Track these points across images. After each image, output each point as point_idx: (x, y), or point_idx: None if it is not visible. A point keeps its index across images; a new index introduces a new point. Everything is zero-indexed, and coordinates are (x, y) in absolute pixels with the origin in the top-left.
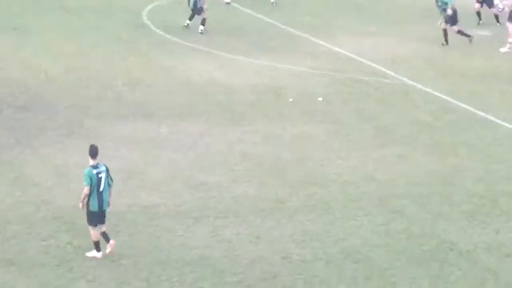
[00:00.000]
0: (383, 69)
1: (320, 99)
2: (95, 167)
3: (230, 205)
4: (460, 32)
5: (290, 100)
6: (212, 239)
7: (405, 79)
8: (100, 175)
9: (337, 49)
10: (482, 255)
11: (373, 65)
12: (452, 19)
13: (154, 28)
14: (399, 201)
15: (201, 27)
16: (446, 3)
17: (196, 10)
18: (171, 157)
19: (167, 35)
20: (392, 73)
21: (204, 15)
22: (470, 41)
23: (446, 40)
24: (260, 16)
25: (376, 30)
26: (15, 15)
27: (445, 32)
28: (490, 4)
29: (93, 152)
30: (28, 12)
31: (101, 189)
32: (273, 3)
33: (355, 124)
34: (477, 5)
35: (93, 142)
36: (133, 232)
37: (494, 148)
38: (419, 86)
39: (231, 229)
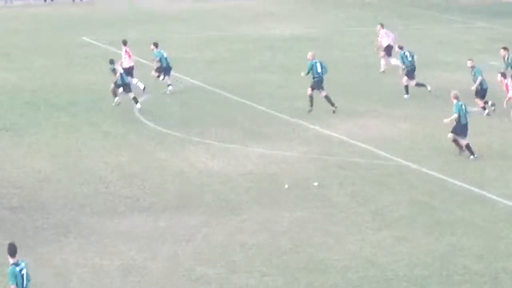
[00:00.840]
0: (376, 150)
1: (316, 183)
2: (16, 264)
3: None
4: (326, 97)
5: (286, 186)
6: None
7: (399, 159)
8: (22, 272)
9: (328, 132)
10: None
11: (365, 146)
12: (318, 85)
13: (145, 121)
14: (400, 284)
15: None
16: None
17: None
18: (169, 250)
19: (159, 127)
20: (385, 154)
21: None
22: (334, 111)
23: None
24: (250, 103)
25: (365, 110)
26: (5, 116)
27: (311, 97)
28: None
29: (12, 250)
30: (19, 112)
31: (24, 285)
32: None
33: (352, 208)
34: (405, 79)
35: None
36: None
37: (492, 225)
38: (414, 165)
39: None
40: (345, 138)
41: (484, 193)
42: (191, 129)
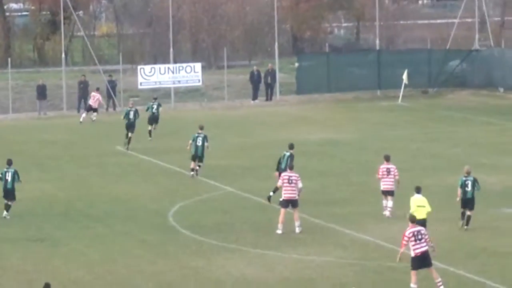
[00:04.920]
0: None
1: None
2: None
3: None
4: None
5: None
6: None
7: (436, 262)
8: None
9: (364, 236)
10: None
11: (402, 250)
12: None
13: (181, 229)
14: None
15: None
16: None
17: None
18: None
19: (195, 235)
20: None
21: None
22: None
23: None
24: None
25: (402, 214)
26: (41, 227)
27: None
28: None
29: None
30: (54, 222)
31: None
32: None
33: None
34: None
35: None
36: None
37: None
38: (451, 269)
39: None
40: (381, 242)
41: None
42: (226, 236)
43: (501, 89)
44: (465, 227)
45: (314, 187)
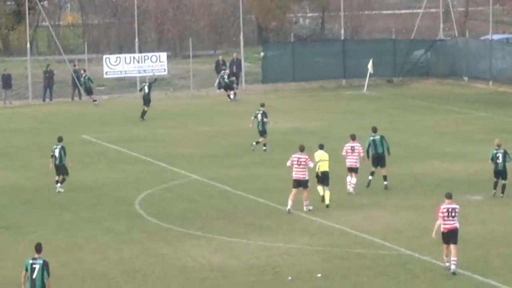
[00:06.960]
0: (379, 240)
1: (319, 275)
2: (34, 259)
3: None
4: None
5: (289, 278)
6: None
7: (402, 249)
8: (33, 266)
9: (331, 223)
10: None
11: (368, 237)
12: None
13: (147, 217)
14: None
15: None
16: None
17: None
18: None
19: (161, 223)
20: (389, 244)
21: None
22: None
23: None
24: (251, 196)
25: (369, 201)
26: (6, 214)
27: None
28: None
29: (38, 247)
30: (20, 210)
31: (34, 276)
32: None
33: None
34: None
35: None
36: None
37: None
38: (416, 255)
39: None
40: (348, 229)
41: (489, 280)
42: (192, 223)
43: (466, 78)
44: (501, 195)
45: (280, 175)
